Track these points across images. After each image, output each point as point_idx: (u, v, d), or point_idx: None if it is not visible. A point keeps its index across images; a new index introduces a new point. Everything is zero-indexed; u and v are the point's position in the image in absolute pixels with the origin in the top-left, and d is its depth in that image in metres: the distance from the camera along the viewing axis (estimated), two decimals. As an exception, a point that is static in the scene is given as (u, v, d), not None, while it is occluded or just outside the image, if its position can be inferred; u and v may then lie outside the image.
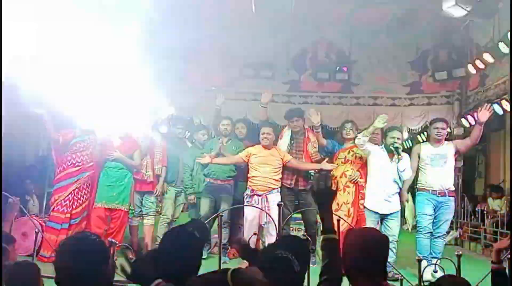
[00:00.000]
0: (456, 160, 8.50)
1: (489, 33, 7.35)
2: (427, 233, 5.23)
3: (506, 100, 6.77)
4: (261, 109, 6.03)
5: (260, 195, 5.27)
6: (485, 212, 8.01)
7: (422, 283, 3.43)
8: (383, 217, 5.22)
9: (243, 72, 8.69)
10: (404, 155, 5.24)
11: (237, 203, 5.74)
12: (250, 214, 5.29)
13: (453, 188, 5.41)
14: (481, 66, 7.52)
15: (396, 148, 5.07)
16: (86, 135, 5.52)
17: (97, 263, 1.67)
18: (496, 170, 10.08)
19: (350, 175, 5.38)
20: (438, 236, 5.29)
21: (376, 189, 5.18)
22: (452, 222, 8.72)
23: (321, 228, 2.13)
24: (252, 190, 5.35)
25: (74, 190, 5.30)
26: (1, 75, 4.88)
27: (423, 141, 7.20)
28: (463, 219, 8.44)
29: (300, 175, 5.69)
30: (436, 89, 8.82)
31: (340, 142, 5.82)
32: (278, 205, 3.85)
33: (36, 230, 4.16)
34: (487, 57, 7.22)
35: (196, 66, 8.96)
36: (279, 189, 5.48)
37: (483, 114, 5.25)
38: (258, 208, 5.09)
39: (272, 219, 4.32)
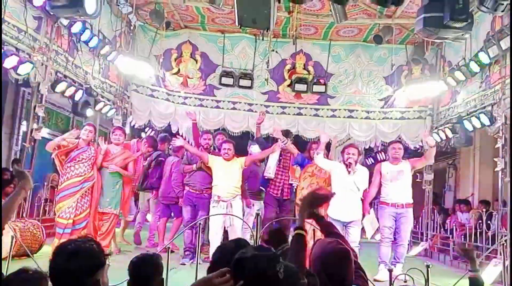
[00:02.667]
0: (426, 173, 8.88)
1: (461, 52, 7.63)
2: (388, 242, 5.93)
3: (476, 117, 7.03)
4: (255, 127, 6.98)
5: (225, 201, 5.89)
6: (454, 224, 8.24)
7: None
8: (345, 225, 5.71)
9: (222, 81, 8.75)
10: (359, 168, 5.88)
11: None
12: (214, 220, 5.86)
13: (410, 201, 6.00)
14: (453, 83, 7.79)
15: (350, 163, 5.68)
16: (87, 146, 5.99)
17: (91, 269, 1.68)
18: (465, 184, 10.41)
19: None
20: (400, 244, 5.96)
21: (338, 200, 5.45)
22: (422, 234, 8.99)
23: (296, 224, 2.18)
24: (218, 196, 5.92)
25: (78, 198, 5.74)
26: (1, 74, 4.96)
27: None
28: (433, 231, 8.66)
29: (285, 186, 6.54)
30: (409, 104, 9.05)
31: (308, 158, 6.40)
32: (256, 214, 4.01)
33: (12, 234, 4.12)
34: (459, 75, 7.49)
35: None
36: (240, 196, 6.10)
37: (431, 140, 6.21)
38: (224, 214, 5.76)
39: (249, 226, 4.58)
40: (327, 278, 1.95)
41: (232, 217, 5.68)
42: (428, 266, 3.53)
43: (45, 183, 7.72)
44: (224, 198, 5.89)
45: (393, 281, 3.50)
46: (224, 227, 5.96)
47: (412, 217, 6.09)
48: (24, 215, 6.28)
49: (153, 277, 2.26)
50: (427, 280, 3.48)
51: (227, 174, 5.98)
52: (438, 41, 6.65)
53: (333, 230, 2.36)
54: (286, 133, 6.71)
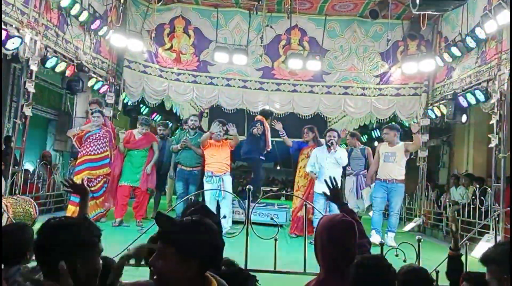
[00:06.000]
0: (421, 151, 8.88)
1: (457, 27, 7.53)
2: (379, 211, 6.63)
3: (471, 93, 6.98)
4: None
5: (218, 176, 6.66)
6: (447, 201, 8.27)
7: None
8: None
9: (216, 56, 8.63)
10: (339, 148, 6.60)
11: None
12: (208, 193, 6.67)
13: (401, 178, 6.54)
14: (449, 59, 7.72)
15: (332, 143, 6.39)
16: (98, 128, 6.64)
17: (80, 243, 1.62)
18: (460, 160, 10.41)
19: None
20: (392, 214, 6.63)
21: (322, 176, 6.16)
22: (415, 210, 9.05)
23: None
24: (212, 172, 6.67)
25: (89, 171, 6.54)
26: (1, 71, 4.92)
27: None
28: (426, 207, 8.70)
29: None
30: (404, 80, 8.99)
31: (304, 142, 7.15)
32: (248, 189, 4.10)
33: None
34: (455, 50, 7.42)
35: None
36: (229, 172, 6.86)
37: (414, 127, 6.65)
38: (215, 189, 6.56)
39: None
40: (333, 249, 1.98)
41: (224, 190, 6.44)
42: (419, 240, 3.53)
43: (37, 160, 7.67)
44: (216, 174, 6.65)
45: (385, 254, 3.51)
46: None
47: (402, 191, 6.66)
48: (16, 192, 6.24)
49: None
50: (418, 254, 3.50)
51: (218, 152, 6.76)
52: (435, 13, 6.53)
53: (354, 216, 2.40)
54: (270, 113, 7.77)
